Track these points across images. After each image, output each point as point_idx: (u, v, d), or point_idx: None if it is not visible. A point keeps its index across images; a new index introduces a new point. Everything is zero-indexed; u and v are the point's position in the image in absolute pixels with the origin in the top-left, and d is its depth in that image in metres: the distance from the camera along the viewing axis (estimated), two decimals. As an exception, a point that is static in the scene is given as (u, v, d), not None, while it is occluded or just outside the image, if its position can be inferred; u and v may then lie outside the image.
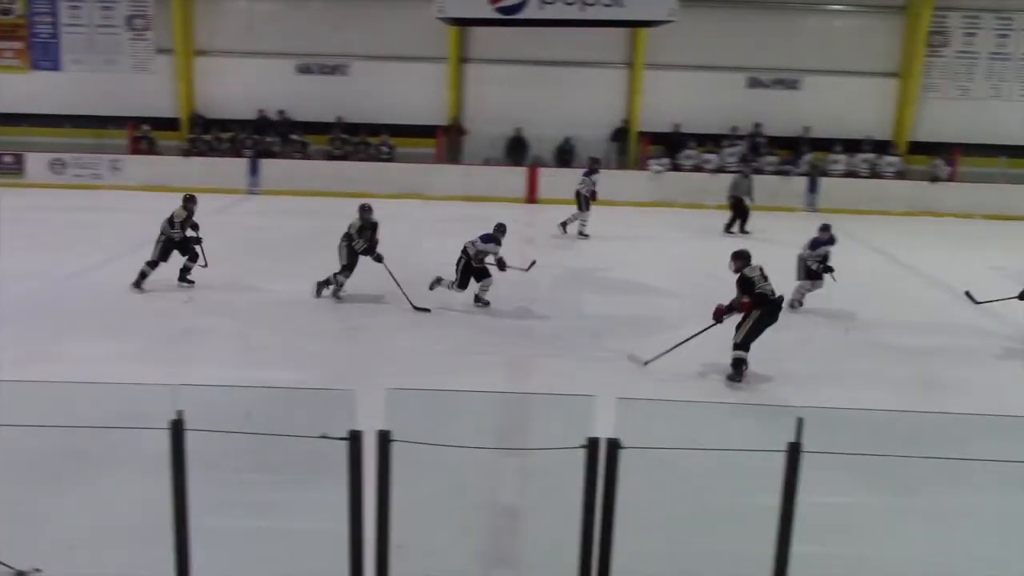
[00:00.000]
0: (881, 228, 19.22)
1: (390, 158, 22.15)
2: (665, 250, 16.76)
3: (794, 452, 3.73)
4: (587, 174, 17.63)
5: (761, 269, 9.56)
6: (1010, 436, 7.63)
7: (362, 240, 12.00)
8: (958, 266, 15.69)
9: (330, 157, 22.19)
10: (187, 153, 22.23)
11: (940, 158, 21.65)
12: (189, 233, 12.49)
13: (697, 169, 21.65)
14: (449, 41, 22.02)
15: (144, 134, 22.48)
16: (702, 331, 9.61)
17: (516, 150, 22.31)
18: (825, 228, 12.67)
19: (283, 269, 13.84)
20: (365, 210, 12.22)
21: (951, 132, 22.02)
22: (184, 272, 12.63)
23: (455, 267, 12.03)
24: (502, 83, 22.21)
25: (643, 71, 22.17)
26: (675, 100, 22.13)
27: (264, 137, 22.33)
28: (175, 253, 12.44)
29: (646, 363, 9.68)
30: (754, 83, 22.42)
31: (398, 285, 11.92)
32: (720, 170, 21.33)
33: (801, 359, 10.60)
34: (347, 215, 12.40)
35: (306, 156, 22.27)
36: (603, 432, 4.15)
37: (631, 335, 11.22)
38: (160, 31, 22.69)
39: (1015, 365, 10.79)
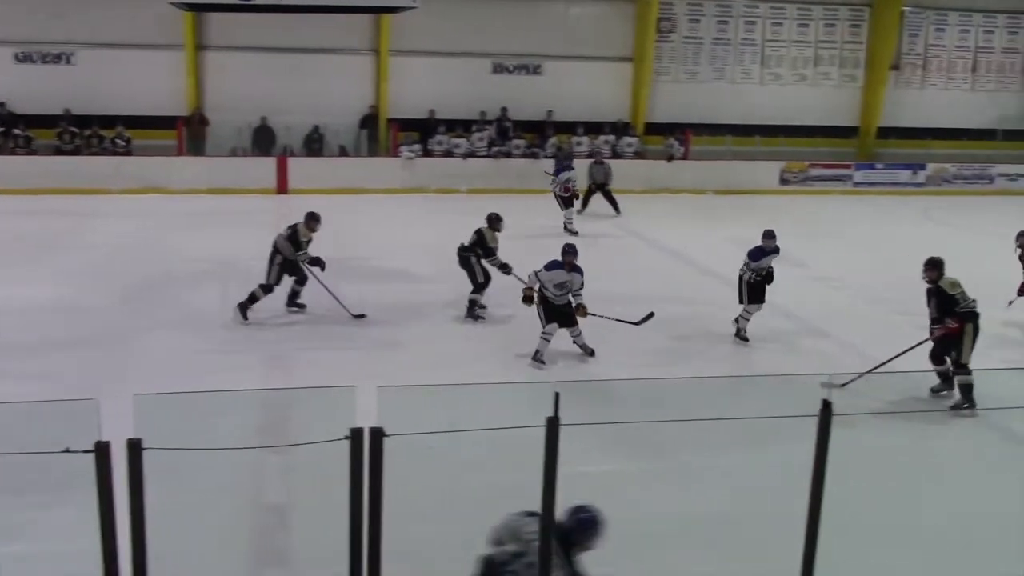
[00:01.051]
0: (624, 206, 20.13)
1: (127, 151, 20.89)
2: (420, 236, 16.82)
3: (552, 425, 3.83)
4: (556, 172, 17.73)
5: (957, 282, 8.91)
6: (751, 395, 8.25)
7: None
8: (696, 239, 16.75)
9: (59, 152, 20.67)
10: None
11: (674, 138, 22.96)
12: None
13: (447, 154, 21.87)
14: (185, 28, 21.02)
15: None
16: (906, 351, 9.11)
17: (263, 140, 21.66)
18: (770, 235, 10.89)
19: (10, 275, 12.78)
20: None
21: (682, 113, 23.41)
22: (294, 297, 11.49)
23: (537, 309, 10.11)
24: (246, 71, 21.45)
25: (389, 57, 22.11)
26: (423, 86, 22.21)
27: (-19, 132, 20.48)
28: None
29: (843, 385, 8.47)
30: (499, 69, 22.88)
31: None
32: (470, 155, 21.68)
33: (564, 336, 10.94)
34: (82, 213, 11.62)
35: (31, 152, 20.62)
36: (367, 422, 4.10)
37: (391, 323, 11.20)
38: None
39: (752, 330, 11.58)
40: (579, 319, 9.88)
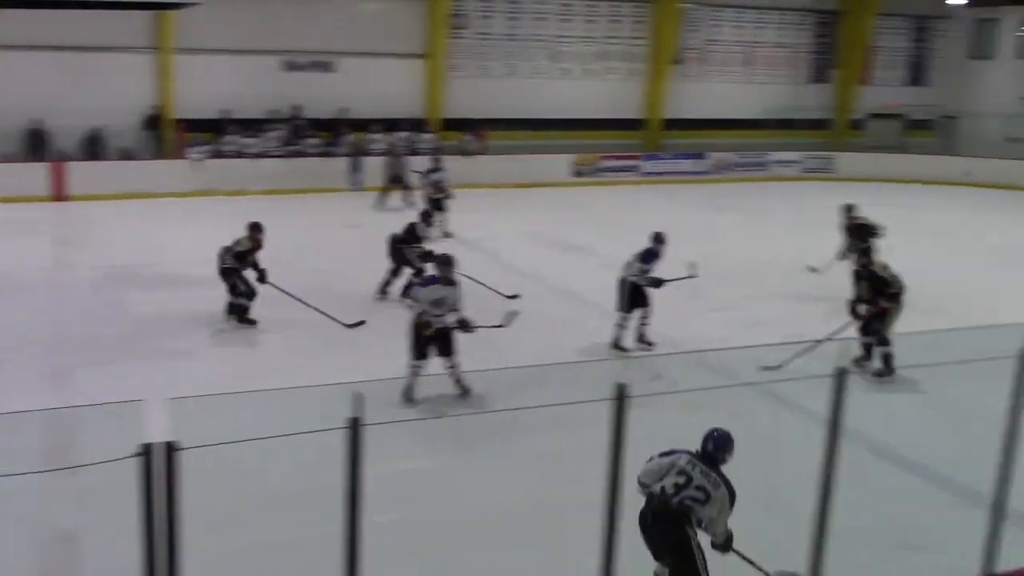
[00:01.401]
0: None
1: None
2: (211, 239, 16.20)
3: (355, 427, 3.76)
4: (427, 173, 17.40)
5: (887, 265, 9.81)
6: (554, 382, 8.41)
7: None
8: (494, 231, 16.97)
9: None
10: None
11: (469, 133, 23.15)
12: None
13: (239, 155, 21.18)
14: (-58, 25, 19.41)
15: None
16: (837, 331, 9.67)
17: (35, 144, 20.26)
18: (659, 238, 10.47)
19: None
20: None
21: (478, 108, 23.64)
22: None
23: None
24: (15, 71, 19.97)
25: (173, 56, 21.17)
26: (212, 85, 21.39)
27: None
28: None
29: (779, 366, 9.33)
30: (290, 66, 22.35)
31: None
32: (261, 155, 21.08)
33: (371, 335, 10.82)
34: None
35: None
36: (159, 436, 3.90)
37: (181, 331, 10.75)
38: None
39: (551, 319, 11.82)
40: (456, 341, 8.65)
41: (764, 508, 6.16)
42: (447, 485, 7.14)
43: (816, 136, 27.35)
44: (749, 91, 27.02)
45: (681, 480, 4.98)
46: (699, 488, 4.95)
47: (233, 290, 10.93)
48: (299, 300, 10.93)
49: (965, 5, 27.99)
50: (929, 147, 28.06)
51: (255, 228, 11.06)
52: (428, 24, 23.25)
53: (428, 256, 11.34)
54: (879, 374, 9.64)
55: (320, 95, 22.16)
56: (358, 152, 21.81)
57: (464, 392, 8.46)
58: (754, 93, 27.03)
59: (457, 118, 23.52)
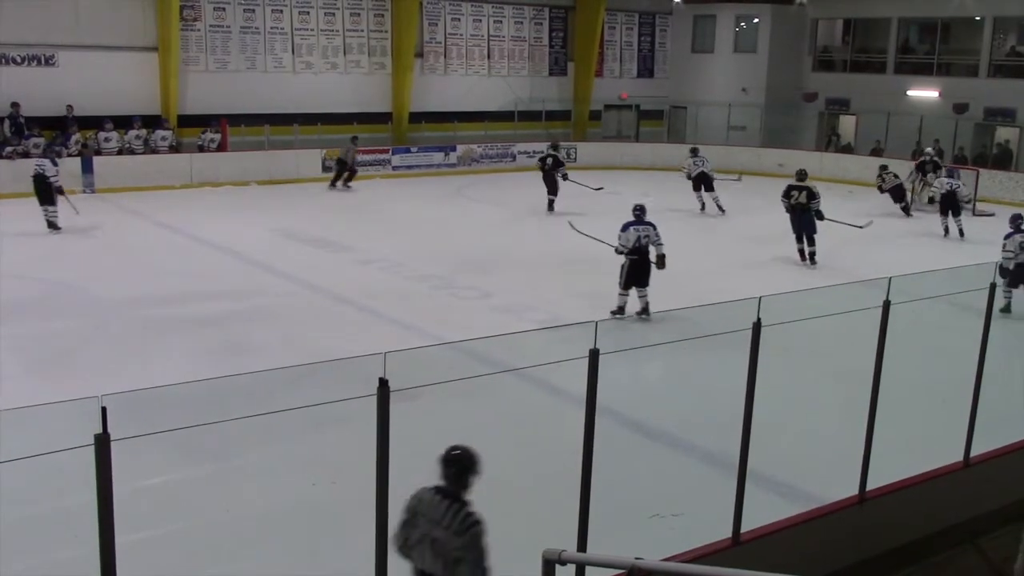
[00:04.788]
0: (163, 203, 19.21)
1: None
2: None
3: (102, 443, 3.52)
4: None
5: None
6: (310, 382, 8.24)
7: None
8: (241, 231, 16.41)
9: None
10: None
11: (209, 129, 22.26)
12: None
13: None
14: None
15: None
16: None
17: None
18: (639, 208, 11.62)
19: None
20: None
21: (217, 104, 22.74)
22: None
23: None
24: None
25: None
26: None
27: None
28: None
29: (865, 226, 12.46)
30: (3, 60, 20.61)
31: None
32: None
33: (106, 346, 10.20)
34: None
35: None
36: None
37: None
38: None
39: (308, 318, 11.60)
40: None
41: (532, 488, 6.32)
42: (207, 496, 6.86)
43: (559, 127, 28.34)
44: (491, 83, 27.59)
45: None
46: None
47: None
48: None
49: (684, 2, 29.98)
50: (659, 135, 29.84)
51: None
52: (158, 16, 22.08)
53: None
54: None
55: (42, 91, 20.55)
56: (89, 152, 20.46)
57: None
58: (496, 85, 27.64)
59: (196, 114, 22.54)
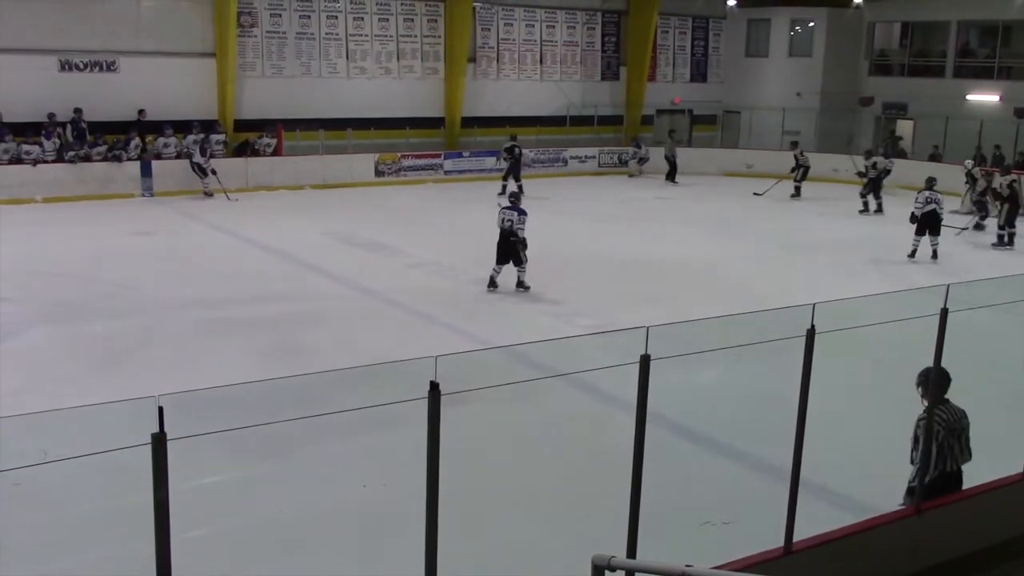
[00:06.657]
0: (221, 205, 19.49)
1: None
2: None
3: (159, 442, 3.57)
4: None
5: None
6: (362, 384, 8.30)
7: None
8: (294, 234, 16.59)
9: None
10: None
11: (265, 134, 22.53)
12: None
13: (17, 161, 19.75)
14: None
15: None
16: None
17: None
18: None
19: None
20: None
21: (273, 108, 23.05)
22: None
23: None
24: None
25: (-66, 55, 19.57)
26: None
27: None
28: None
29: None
30: (67, 66, 21.07)
31: None
32: (41, 161, 19.75)
33: (163, 346, 10.37)
34: None
35: None
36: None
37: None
38: None
39: (359, 320, 11.70)
40: None
41: (581, 492, 6.30)
42: (266, 494, 6.94)
43: (611, 131, 28.28)
44: (543, 88, 27.62)
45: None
46: None
47: None
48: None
49: (738, 6, 29.74)
50: (713, 140, 29.63)
51: None
52: (216, 22, 22.44)
53: None
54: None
55: (104, 96, 20.99)
56: (149, 156, 20.85)
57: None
58: (548, 90, 27.66)
59: (252, 119, 22.85)
